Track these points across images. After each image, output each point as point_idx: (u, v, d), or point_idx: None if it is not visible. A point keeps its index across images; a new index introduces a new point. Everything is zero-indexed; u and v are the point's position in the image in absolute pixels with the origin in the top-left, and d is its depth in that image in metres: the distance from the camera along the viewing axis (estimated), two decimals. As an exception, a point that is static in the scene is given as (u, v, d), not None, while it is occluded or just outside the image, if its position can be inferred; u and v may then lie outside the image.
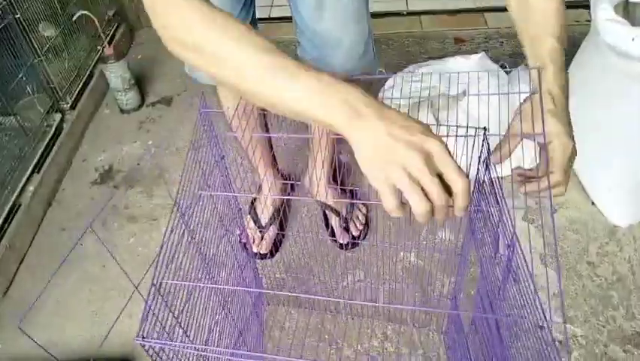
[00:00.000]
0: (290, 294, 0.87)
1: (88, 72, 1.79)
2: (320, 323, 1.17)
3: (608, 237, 1.26)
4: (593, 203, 1.32)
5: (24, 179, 1.40)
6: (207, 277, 0.82)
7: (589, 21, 1.83)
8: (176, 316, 0.61)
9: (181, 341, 0.70)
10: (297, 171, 1.49)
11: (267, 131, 1.26)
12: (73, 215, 1.44)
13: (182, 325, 0.63)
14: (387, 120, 0.49)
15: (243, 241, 1.30)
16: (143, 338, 0.52)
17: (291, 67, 0.52)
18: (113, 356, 1.12)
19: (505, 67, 1.53)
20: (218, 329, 0.85)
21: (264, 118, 1.26)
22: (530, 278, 0.59)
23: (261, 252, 1.30)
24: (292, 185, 1.46)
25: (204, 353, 0.62)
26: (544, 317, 0.57)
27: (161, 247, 0.65)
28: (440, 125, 1.48)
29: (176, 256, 0.69)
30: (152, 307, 0.54)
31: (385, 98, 1.60)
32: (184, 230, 0.75)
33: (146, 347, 0.53)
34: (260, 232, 1.32)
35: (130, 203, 1.46)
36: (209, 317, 0.82)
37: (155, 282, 0.57)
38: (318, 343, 1.13)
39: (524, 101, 0.69)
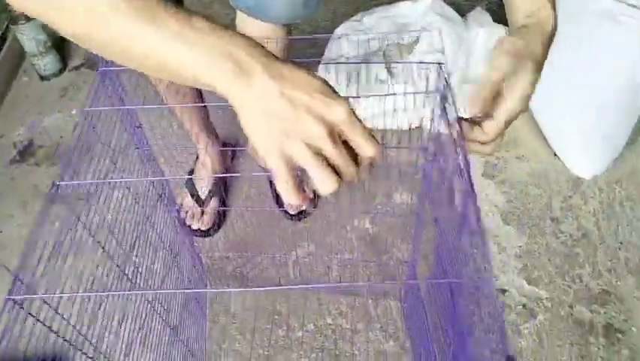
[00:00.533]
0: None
1: (-1, 35, 1.58)
2: (269, 303, 1.07)
3: (572, 190, 1.18)
4: (555, 155, 1.24)
5: None
6: (121, 276, 0.70)
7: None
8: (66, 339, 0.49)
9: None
10: (239, 134, 1.35)
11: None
12: (-11, 200, 1.29)
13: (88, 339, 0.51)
14: (281, 79, 0.38)
15: (182, 217, 1.18)
16: None
17: (155, 8, 0.38)
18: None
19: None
20: (144, 332, 0.74)
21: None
22: (481, 231, 0.50)
23: (202, 228, 1.18)
24: (234, 151, 1.32)
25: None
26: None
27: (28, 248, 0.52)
28: (393, 68, 1.36)
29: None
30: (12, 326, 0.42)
31: (334, 51, 1.47)
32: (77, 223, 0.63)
33: None
34: (199, 206, 1.19)
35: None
36: (131, 320, 0.71)
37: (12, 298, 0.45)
38: (267, 325, 1.04)
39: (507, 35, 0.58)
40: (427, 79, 0.68)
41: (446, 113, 0.60)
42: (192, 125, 1.15)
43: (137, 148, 0.76)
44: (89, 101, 0.63)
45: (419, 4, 1.41)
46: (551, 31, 0.57)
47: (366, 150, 0.40)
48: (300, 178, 0.40)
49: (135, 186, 0.78)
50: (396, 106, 1.29)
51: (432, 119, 0.67)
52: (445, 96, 0.61)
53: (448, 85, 0.59)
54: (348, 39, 1.46)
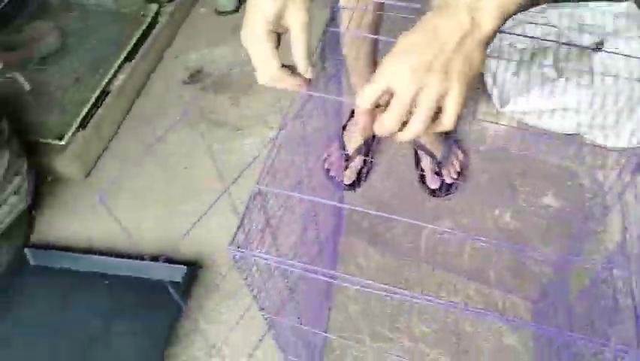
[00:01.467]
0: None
1: (189, -34, 1.71)
2: (398, 267, 1.09)
3: None
4: None
5: (116, 65, 1.36)
6: (304, 187, 0.75)
7: None
8: (271, 226, 0.54)
9: (268, 252, 0.64)
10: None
11: (376, 49, 1.14)
12: (159, 110, 1.41)
13: (273, 236, 0.56)
14: None
15: (326, 166, 1.23)
16: (238, 247, 0.46)
17: None
18: (185, 258, 1.10)
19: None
20: (301, 243, 0.79)
21: (376, 45, 1.15)
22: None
23: (345, 182, 1.22)
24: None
25: (293, 269, 0.55)
26: None
27: (271, 149, 0.57)
28: (564, 77, 1.31)
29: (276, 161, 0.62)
30: (248, 216, 0.47)
31: (504, 39, 1.43)
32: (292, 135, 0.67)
33: (237, 257, 0.47)
34: (345, 160, 1.24)
35: (216, 108, 1.40)
36: (295, 229, 0.76)
37: (256, 189, 0.50)
38: (392, 287, 1.06)
39: None
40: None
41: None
42: (359, 80, 1.18)
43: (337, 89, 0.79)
44: (324, 37, 0.67)
45: (612, 7, 1.33)
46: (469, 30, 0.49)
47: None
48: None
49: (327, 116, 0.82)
50: (567, 106, 1.24)
51: None
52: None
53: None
54: (520, 30, 1.41)
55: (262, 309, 0.53)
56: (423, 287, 1.06)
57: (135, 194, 1.23)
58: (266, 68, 0.56)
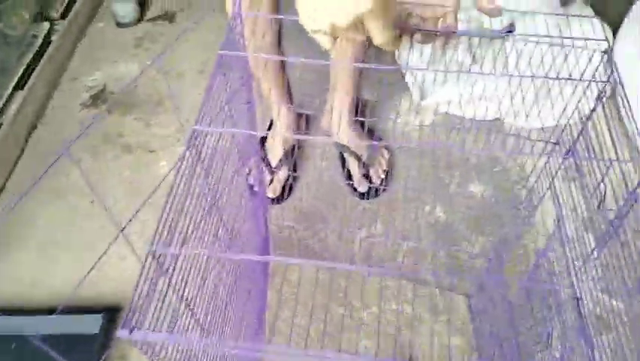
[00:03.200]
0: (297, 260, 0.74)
1: (80, -23, 1.57)
2: (330, 278, 1.04)
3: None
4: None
5: (6, 96, 1.23)
6: (214, 220, 0.68)
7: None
8: (181, 296, 0.46)
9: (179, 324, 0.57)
10: (311, 106, 1.32)
11: (282, 54, 1.08)
12: (60, 140, 1.29)
13: (183, 301, 0.49)
14: None
15: (250, 182, 1.16)
16: (132, 330, 0.36)
17: None
18: (103, 303, 1.00)
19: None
20: (224, 297, 0.72)
21: (279, 40, 1.08)
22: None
23: (270, 195, 1.16)
24: (307, 120, 1.29)
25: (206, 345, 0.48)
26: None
27: (168, 200, 0.49)
28: (476, 63, 1.30)
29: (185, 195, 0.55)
30: (147, 285, 0.39)
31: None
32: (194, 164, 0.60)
33: (137, 342, 0.38)
34: (270, 173, 1.17)
35: (125, 131, 1.30)
36: (211, 280, 0.69)
37: (154, 251, 0.42)
38: (328, 302, 1.01)
39: None
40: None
41: (603, 107, 0.55)
42: (271, 91, 1.12)
43: (248, 103, 0.72)
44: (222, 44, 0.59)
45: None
46: None
47: None
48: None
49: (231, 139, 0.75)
50: (485, 94, 1.23)
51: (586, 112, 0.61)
52: (604, 89, 0.55)
53: (617, 75, 0.54)
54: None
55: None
56: (362, 297, 1.01)
57: (38, 241, 1.11)
58: None
